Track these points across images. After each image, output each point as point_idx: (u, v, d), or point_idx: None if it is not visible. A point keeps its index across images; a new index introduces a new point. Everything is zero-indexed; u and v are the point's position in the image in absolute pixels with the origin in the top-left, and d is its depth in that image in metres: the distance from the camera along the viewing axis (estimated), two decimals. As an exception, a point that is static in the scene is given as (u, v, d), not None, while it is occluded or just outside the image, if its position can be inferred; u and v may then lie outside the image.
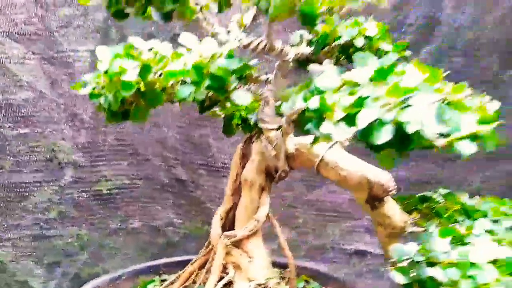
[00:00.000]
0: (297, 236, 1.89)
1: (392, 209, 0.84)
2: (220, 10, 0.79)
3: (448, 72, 0.71)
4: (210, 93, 0.74)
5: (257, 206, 0.95)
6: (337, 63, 0.98)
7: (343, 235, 1.93)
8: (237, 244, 0.94)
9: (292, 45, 0.98)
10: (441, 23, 1.87)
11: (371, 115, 0.57)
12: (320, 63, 0.85)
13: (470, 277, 0.65)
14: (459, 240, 0.72)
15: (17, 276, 1.74)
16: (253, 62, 0.86)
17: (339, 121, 0.59)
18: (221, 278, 0.94)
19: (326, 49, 0.97)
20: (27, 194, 1.72)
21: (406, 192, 1.07)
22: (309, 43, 1.00)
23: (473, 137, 0.59)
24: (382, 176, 0.82)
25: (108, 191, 1.81)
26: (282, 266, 1.05)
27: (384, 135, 0.56)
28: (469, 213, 0.89)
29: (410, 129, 0.56)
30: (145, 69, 0.71)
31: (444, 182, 1.92)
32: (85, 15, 1.70)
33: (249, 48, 0.85)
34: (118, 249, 1.84)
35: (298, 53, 0.94)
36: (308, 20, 0.71)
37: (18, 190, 1.71)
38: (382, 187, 0.82)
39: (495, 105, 0.68)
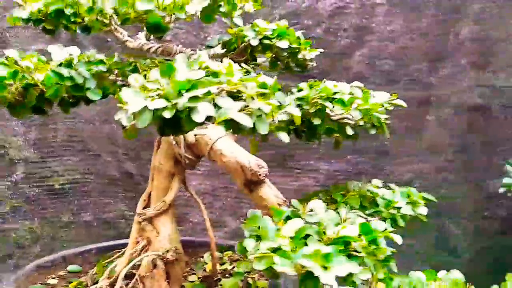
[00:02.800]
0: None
1: (267, 193, 0.82)
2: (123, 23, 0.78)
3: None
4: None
5: (167, 189, 0.90)
6: (246, 61, 0.94)
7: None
8: (150, 221, 0.90)
9: (208, 46, 0.95)
10: (373, 30, 1.85)
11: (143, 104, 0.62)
12: (234, 61, 0.79)
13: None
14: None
15: None
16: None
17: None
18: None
19: (237, 49, 0.93)
20: None
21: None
22: (223, 44, 0.95)
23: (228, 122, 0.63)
24: (253, 163, 0.78)
25: (60, 186, 1.71)
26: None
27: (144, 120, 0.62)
28: (361, 200, 0.87)
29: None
30: (13, 75, 0.73)
31: (377, 174, 1.90)
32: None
33: (151, 52, 0.88)
34: (70, 242, 1.74)
35: (211, 54, 0.90)
36: (154, 29, 0.77)
37: None
38: (252, 172, 0.78)
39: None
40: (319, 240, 0.66)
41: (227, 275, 1.05)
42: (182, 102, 0.61)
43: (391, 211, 0.92)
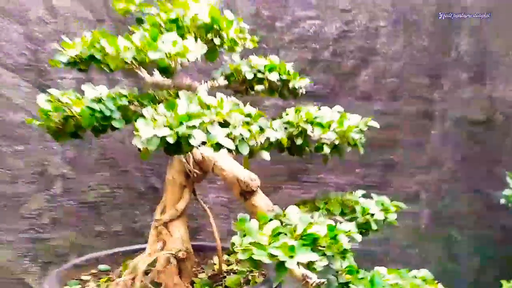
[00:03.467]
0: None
1: (259, 201, 1.02)
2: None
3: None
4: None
5: (179, 199, 1.12)
6: (247, 90, 1.16)
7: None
8: (165, 226, 1.12)
9: (213, 78, 1.17)
10: (377, 51, 2.04)
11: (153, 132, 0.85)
12: (234, 90, 1.00)
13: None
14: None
15: (15, 274, 1.86)
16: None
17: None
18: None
19: (236, 82, 1.16)
20: (23, 202, 1.87)
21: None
22: (226, 76, 1.18)
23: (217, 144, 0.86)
24: (246, 177, 0.99)
25: (93, 199, 1.95)
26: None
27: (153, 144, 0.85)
28: (342, 208, 1.06)
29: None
30: (56, 109, 0.98)
31: (385, 186, 2.08)
32: (70, 49, 1.86)
33: (162, 87, 1.10)
34: (102, 250, 1.97)
35: (214, 85, 1.13)
36: (164, 72, 1.01)
37: (16, 199, 1.86)
38: (245, 184, 0.99)
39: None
40: (290, 237, 0.86)
41: (232, 274, 1.26)
42: (182, 130, 0.84)
43: (366, 217, 1.10)
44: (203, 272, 1.28)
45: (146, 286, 1.09)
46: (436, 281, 1.09)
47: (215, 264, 1.32)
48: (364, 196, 1.19)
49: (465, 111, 2.10)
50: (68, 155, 1.90)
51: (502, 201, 1.75)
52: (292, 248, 0.81)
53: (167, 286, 1.12)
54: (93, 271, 1.32)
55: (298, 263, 0.81)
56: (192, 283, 1.18)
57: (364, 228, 1.11)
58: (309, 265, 0.82)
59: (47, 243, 1.89)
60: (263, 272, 1.24)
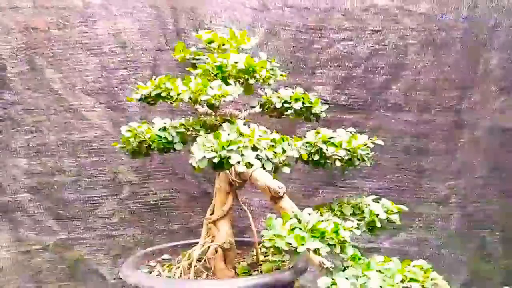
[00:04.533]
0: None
1: (285, 204, 1.39)
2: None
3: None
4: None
5: (225, 202, 1.53)
6: (279, 115, 1.56)
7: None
8: (214, 223, 1.54)
9: (252, 107, 1.58)
10: (407, 66, 2.37)
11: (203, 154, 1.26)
12: (269, 115, 1.42)
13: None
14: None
15: (91, 265, 2.30)
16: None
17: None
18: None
19: (269, 109, 1.56)
20: (98, 205, 2.29)
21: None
22: (261, 105, 1.58)
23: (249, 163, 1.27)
24: (274, 185, 1.37)
25: (155, 202, 2.32)
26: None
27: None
28: (354, 210, 1.43)
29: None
30: (134, 136, 1.41)
31: (415, 190, 2.40)
32: (135, 74, 2.33)
33: (205, 115, 1.49)
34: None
35: (251, 112, 1.53)
36: (211, 108, 1.42)
37: (91, 202, 2.28)
38: (274, 191, 1.37)
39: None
40: (302, 230, 1.25)
41: (267, 262, 1.67)
42: (224, 153, 1.25)
43: (373, 217, 1.47)
44: (244, 261, 1.70)
45: (198, 270, 1.52)
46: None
47: (254, 255, 1.73)
48: (374, 200, 1.56)
49: (495, 120, 2.37)
50: (134, 164, 2.28)
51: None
52: (303, 238, 1.21)
53: (215, 270, 1.55)
54: (158, 259, 1.77)
55: (308, 249, 1.21)
56: (235, 268, 1.60)
57: (370, 226, 1.47)
58: (316, 251, 1.21)
59: (116, 239, 2.31)
60: (290, 261, 1.64)
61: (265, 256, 1.72)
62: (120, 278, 2.22)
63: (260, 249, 1.70)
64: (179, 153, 2.27)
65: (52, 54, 2.25)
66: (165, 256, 1.77)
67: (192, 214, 2.40)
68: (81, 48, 2.23)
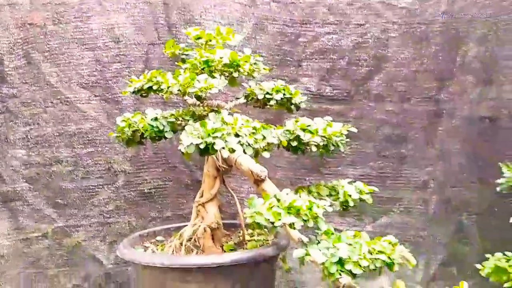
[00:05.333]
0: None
1: (267, 187, 1.58)
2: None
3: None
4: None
5: (213, 186, 1.74)
6: (262, 105, 1.76)
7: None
8: (203, 206, 1.74)
9: (236, 98, 1.78)
10: (388, 58, 2.57)
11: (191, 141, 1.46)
12: (253, 106, 1.62)
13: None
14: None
15: (88, 251, 2.45)
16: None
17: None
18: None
19: (252, 100, 1.76)
20: (94, 193, 2.44)
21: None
22: (245, 97, 1.79)
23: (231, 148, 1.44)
24: (257, 169, 1.57)
25: (148, 190, 2.47)
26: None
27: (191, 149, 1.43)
28: (330, 191, 1.64)
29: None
30: (128, 125, 1.58)
31: (396, 176, 2.61)
32: (129, 68, 2.52)
33: (193, 105, 1.67)
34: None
35: (237, 103, 1.74)
36: (198, 99, 1.64)
37: (88, 191, 2.43)
38: (255, 175, 1.57)
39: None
40: (279, 208, 1.45)
41: (252, 241, 1.87)
42: (209, 140, 1.46)
43: (346, 197, 1.68)
44: (231, 240, 1.91)
45: (189, 248, 1.73)
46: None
47: (240, 236, 1.94)
48: (349, 183, 1.76)
49: (472, 110, 2.57)
50: (128, 154, 2.44)
51: (498, 189, 2.22)
52: (279, 214, 1.41)
53: (204, 248, 1.76)
54: (152, 240, 1.98)
55: (284, 224, 1.41)
56: (222, 246, 1.81)
57: (344, 205, 1.69)
58: (291, 225, 1.42)
59: (112, 226, 2.47)
60: (274, 240, 1.85)
61: (251, 237, 1.93)
62: (116, 263, 2.45)
63: (246, 230, 1.91)
64: (171, 143, 2.51)
65: (48, 49, 2.41)
66: (159, 238, 1.98)
67: (184, 201, 2.57)
68: (76, 43, 2.39)
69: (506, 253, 1.59)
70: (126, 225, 2.50)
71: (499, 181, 1.79)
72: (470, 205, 2.57)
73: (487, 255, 1.59)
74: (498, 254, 1.59)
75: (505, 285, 1.53)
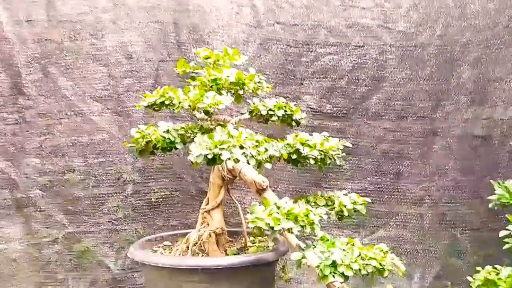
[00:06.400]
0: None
1: (268, 195, 1.72)
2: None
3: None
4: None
5: (218, 195, 1.90)
6: (265, 121, 1.93)
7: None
8: (208, 213, 1.90)
9: (241, 113, 1.95)
10: (386, 79, 2.74)
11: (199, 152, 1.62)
12: (257, 121, 1.79)
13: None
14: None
15: (97, 257, 2.57)
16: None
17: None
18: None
19: (256, 116, 1.93)
20: (104, 201, 2.57)
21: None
22: (249, 112, 1.96)
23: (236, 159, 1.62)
24: (259, 179, 1.73)
25: (156, 200, 2.60)
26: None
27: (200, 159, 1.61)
28: (326, 201, 1.80)
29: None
30: (142, 136, 1.74)
31: (393, 191, 2.77)
32: (140, 83, 2.70)
33: (202, 120, 1.85)
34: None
35: (241, 118, 1.91)
36: (206, 114, 1.79)
37: (98, 199, 2.55)
38: (257, 184, 1.72)
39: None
40: (279, 214, 1.62)
41: (254, 247, 2.03)
42: (216, 151, 1.63)
43: (341, 207, 1.84)
44: (234, 246, 2.07)
45: (195, 251, 1.89)
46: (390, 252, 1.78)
47: (243, 242, 2.10)
48: (344, 194, 1.93)
49: (466, 129, 2.73)
50: (137, 165, 2.57)
51: (490, 205, 2.36)
52: (278, 219, 1.57)
53: (208, 251, 1.92)
54: (160, 245, 2.14)
55: (283, 228, 1.57)
56: (226, 251, 1.97)
57: (339, 214, 1.85)
58: (289, 230, 1.58)
59: (120, 233, 2.59)
60: (274, 246, 2.01)
61: (252, 243, 2.09)
62: (123, 269, 2.60)
63: (248, 237, 2.07)
64: (178, 155, 2.68)
65: (64, 64, 2.55)
66: (166, 243, 2.14)
67: (190, 211, 2.67)
68: (91, 58, 2.54)
69: (496, 266, 1.67)
70: (133, 233, 2.61)
71: (491, 197, 1.82)
72: (464, 220, 2.70)
73: (478, 268, 1.68)
74: (488, 267, 1.67)
75: (495, 296, 1.62)
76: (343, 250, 1.61)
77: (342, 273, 1.53)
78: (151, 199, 2.64)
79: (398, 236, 2.73)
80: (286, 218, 1.58)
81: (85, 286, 2.64)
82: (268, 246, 2.02)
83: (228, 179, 1.89)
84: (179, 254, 1.88)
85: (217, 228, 1.89)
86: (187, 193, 2.66)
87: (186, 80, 1.96)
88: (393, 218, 2.73)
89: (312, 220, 1.60)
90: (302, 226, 1.59)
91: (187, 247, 1.89)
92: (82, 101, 2.57)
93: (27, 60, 2.61)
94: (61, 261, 2.58)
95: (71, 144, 2.57)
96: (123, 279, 2.61)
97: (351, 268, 1.53)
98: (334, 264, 1.53)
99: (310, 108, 2.69)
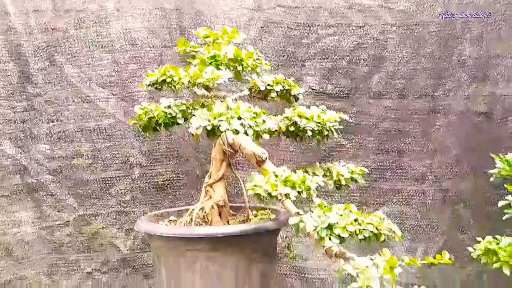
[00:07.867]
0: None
1: (267, 166, 1.80)
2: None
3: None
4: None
5: (219, 168, 2.01)
6: (264, 97, 2.03)
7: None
8: (211, 186, 2.01)
9: (241, 90, 2.06)
10: (387, 58, 2.83)
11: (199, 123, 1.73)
12: (256, 98, 1.90)
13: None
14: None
15: (106, 238, 2.67)
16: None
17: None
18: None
19: (255, 92, 2.03)
20: (112, 185, 2.68)
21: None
22: (249, 89, 2.07)
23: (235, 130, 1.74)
24: (259, 151, 1.82)
25: (162, 182, 2.69)
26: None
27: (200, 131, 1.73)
28: (325, 172, 1.90)
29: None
30: (145, 113, 1.85)
31: (395, 168, 2.85)
32: (144, 68, 2.81)
33: (202, 97, 1.96)
34: (170, 221, 2.88)
35: (240, 95, 2.01)
36: (206, 89, 1.87)
37: (106, 182, 2.66)
38: (257, 156, 1.82)
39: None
40: (276, 181, 1.72)
41: (256, 219, 2.14)
42: (215, 122, 1.74)
43: (339, 177, 1.94)
44: (237, 218, 2.18)
45: (198, 223, 2.00)
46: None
47: (245, 215, 2.21)
48: (342, 165, 2.02)
49: (468, 106, 2.80)
50: (144, 148, 2.66)
51: (491, 179, 2.42)
52: (276, 185, 1.68)
53: (212, 223, 2.02)
54: (166, 220, 2.26)
55: (281, 194, 1.67)
56: (228, 222, 2.08)
57: (337, 184, 1.95)
58: (287, 195, 1.68)
59: (129, 215, 2.69)
60: (276, 217, 2.12)
61: (255, 216, 2.20)
62: (132, 249, 2.72)
63: (251, 211, 2.18)
64: (183, 138, 2.79)
65: (70, 52, 2.66)
66: (172, 218, 2.25)
67: (196, 192, 2.68)
68: (96, 46, 2.64)
69: (496, 236, 1.74)
70: (141, 214, 2.67)
71: (492, 171, 1.87)
72: (466, 195, 2.78)
73: (478, 239, 1.70)
74: (489, 237, 1.75)
75: (495, 265, 1.70)
76: (340, 215, 1.70)
77: (338, 235, 1.61)
78: (158, 181, 2.73)
79: (402, 212, 2.80)
80: (284, 185, 1.68)
81: (96, 267, 2.76)
82: (270, 219, 2.12)
83: (229, 153, 1.99)
84: (184, 225, 1.99)
85: (220, 200, 2.00)
86: (193, 175, 2.73)
87: (188, 61, 2.07)
88: (396, 195, 2.81)
89: (309, 186, 1.70)
90: (299, 192, 1.69)
91: (191, 219, 2.00)
92: (88, 87, 2.67)
93: (34, 49, 2.73)
94: (72, 243, 2.70)
95: (78, 130, 2.67)
96: (132, 259, 2.71)
97: (347, 230, 1.62)
98: (330, 227, 1.62)
99: (312, 89, 2.78)
